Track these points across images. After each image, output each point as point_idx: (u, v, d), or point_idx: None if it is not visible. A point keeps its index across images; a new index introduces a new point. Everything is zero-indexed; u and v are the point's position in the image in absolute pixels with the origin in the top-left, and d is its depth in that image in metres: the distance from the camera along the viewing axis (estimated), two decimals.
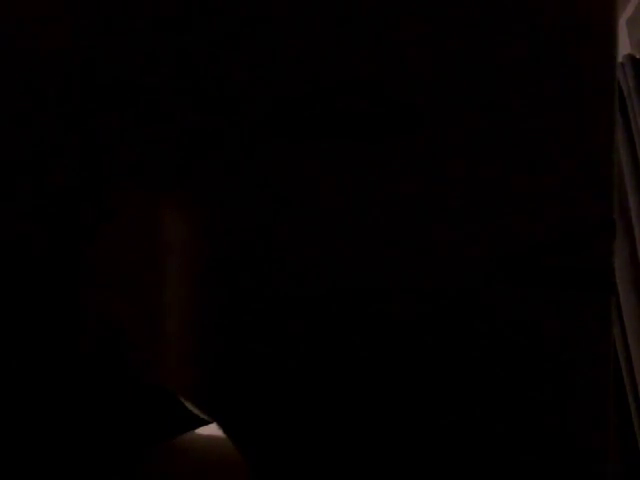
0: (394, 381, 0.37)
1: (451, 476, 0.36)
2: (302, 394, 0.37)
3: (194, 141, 0.38)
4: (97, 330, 0.40)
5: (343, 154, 0.37)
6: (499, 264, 0.37)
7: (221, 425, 0.39)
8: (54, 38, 0.39)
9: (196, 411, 0.41)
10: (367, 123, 0.37)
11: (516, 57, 0.38)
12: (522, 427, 0.37)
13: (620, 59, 1.52)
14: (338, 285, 0.37)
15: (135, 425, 0.46)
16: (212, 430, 0.49)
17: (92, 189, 0.39)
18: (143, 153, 0.39)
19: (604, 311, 0.38)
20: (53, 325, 0.40)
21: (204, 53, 0.38)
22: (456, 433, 0.36)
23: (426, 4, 0.37)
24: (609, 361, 0.38)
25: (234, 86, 0.38)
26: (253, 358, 0.38)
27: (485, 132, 0.38)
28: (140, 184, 0.39)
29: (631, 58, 1.53)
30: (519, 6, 0.38)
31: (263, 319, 0.38)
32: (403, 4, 0.37)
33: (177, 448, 0.49)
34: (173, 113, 0.38)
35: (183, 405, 0.42)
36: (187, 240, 0.39)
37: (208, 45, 0.38)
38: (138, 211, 0.39)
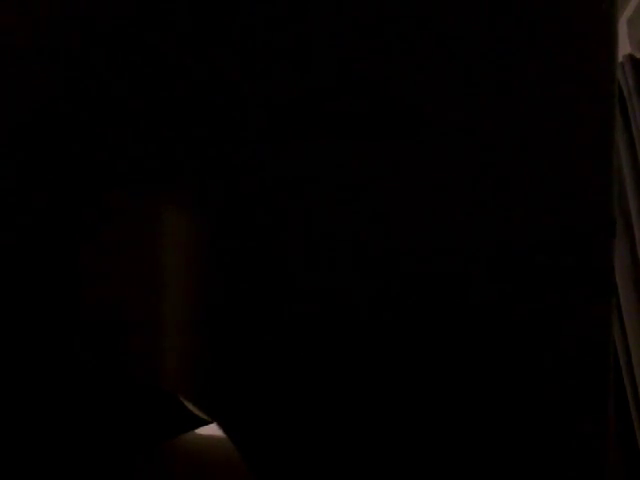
0: (395, 380, 0.37)
1: (449, 475, 0.36)
2: (302, 394, 0.37)
3: (194, 141, 0.38)
4: (97, 330, 0.40)
5: (344, 155, 0.37)
6: (498, 264, 0.37)
7: (221, 425, 0.39)
8: (55, 37, 0.39)
9: (196, 411, 0.41)
10: (369, 124, 0.37)
11: (516, 57, 0.38)
12: (521, 427, 0.37)
13: (620, 59, 1.52)
14: (337, 286, 0.37)
15: (135, 425, 0.46)
16: (212, 430, 0.49)
17: (92, 189, 0.39)
18: (143, 153, 0.39)
19: (604, 311, 0.38)
20: (53, 325, 0.40)
21: (203, 53, 0.38)
22: (455, 432, 0.36)
23: (428, 6, 0.37)
24: (609, 361, 0.38)
25: (233, 86, 0.38)
26: (253, 358, 0.38)
27: (486, 132, 0.38)
28: (140, 184, 0.39)
29: (631, 58, 1.53)
30: (519, 6, 0.38)
31: (263, 319, 0.38)
32: (405, 4, 0.37)
33: (177, 448, 0.49)
34: (173, 113, 0.38)
35: (183, 405, 0.42)
36: (187, 240, 0.39)
37: (208, 46, 0.38)
38: (138, 211, 0.39)
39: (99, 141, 0.39)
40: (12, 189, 0.39)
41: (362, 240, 0.37)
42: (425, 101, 0.37)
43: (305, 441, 0.37)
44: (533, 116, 0.38)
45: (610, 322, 0.38)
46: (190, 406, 0.41)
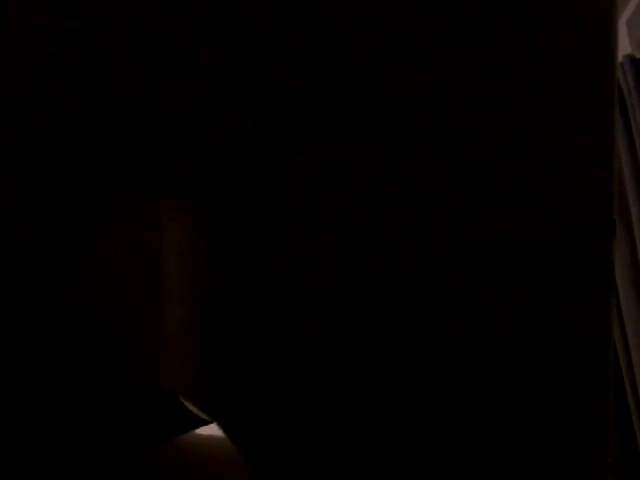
0: (394, 381, 0.37)
1: (449, 474, 0.36)
2: (302, 394, 0.37)
3: (194, 142, 0.38)
4: (98, 330, 0.40)
5: (342, 154, 0.37)
6: (499, 264, 0.37)
7: (221, 425, 0.39)
8: (57, 41, 0.39)
9: (196, 411, 0.41)
10: (367, 123, 0.37)
11: (516, 57, 0.38)
12: (521, 426, 0.37)
13: (620, 59, 1.52)
14: (337, 285, 0.37)
15: (135, 425, 0.46)
16: (212, 430, 0.49)
17: (92, 189, 0.39)
18: (143, 154, 0.39)
19: (604, 311, 0.38)
20: (54, 325, 0.40)
21: (204, 55, 0.38)
22: (454, 431, 0.36)
23: (425, 6, 0.37)
24: (609, 361, 0.38)
25: (233, 88, 0.38)
26: (253, 358, 0.38)
27: (485, 132, 0.38)
28: (140, 184, 0.39)
29: (631, 58, 1.53)
30: (519, 6, 0.38)
31: (263, 320, 0.38)
32: (403, 6, 0.37)
33: (177, 448, 0.49)
34: (173, 115, 0.38)
35: (183, 405, 0.42)
36: (187, 240, 0.39)
37: (208, 47, 0.38)
38: (138, 211, 0.39)
39: (100, 142, 0.39)
40: (14, 190, 0.39)
41: (361, 239, 0.37)
42: (420, 100, 0.37)
43: (305, 441, 0.37)
44: (532, 116, 0.38)
45: (610, 322, 0.38)
46: (190, 406, 0.41)
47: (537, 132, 0.38)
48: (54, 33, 0.38)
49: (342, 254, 0.37)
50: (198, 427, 0.50)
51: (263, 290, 0.38)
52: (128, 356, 0.40)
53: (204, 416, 0.42)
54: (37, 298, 0.40)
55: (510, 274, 0.37)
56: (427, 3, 0.37)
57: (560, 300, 0.37)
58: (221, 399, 0.38)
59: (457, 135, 0.37)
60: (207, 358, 0.39)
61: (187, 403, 0.41)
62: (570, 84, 0.38)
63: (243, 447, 0.38)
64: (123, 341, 0.40)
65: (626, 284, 1.42)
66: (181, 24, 0.38)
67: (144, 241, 0.39)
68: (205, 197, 0.39)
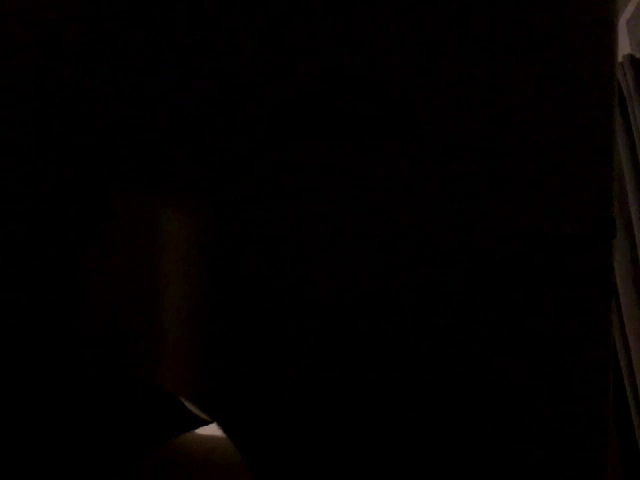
0: (394, 381, 0.37)
1: (448, 474, 0.36)
2: (302, 394, 0.37)
3: (194, 142, 0.38)
4: (98, 330, 0.40)
5: (343, 154, 0.37)
6: (499, 263, 0.37)
7: (221, 425, 0.39)
8: (54, 37, 0.39)
9: (196, 411, 0.41)
10: (367, 123, 0.37)
11: (515, 56, 0.38)
12: (521, 427, 0.37)
13: (620, 59, 1.52)
14: (336, 286, 0.37)
15: (135, 425, 0.46)
16: (212, 430, 0.49)
17: (92, 189, 0.39)
18: (143, 154, 0.39)
19: (604, 311, 0.38)
20: (54, 325, 0.40)
21: (204, 54, 0.38)
22: (453, 432, 0.36)
23: (426, 5, 0.37)
24: (609, 361, 0.38)
25: (234, 87, 0.38)
26: (253, 358, 0.38)
27: (484, 132, 0.38)
28: (140, 184, 0.39)
29: (631, 58, 1.53)
30: (519, 6, 0.38)
31: (263, 320, 0.38)
32: (404, 4, 0.37)
33: (177, 448, 0.49)
34: (173, 114, 0.38)
35: (183, 405, 0.42)
36: (187, 240, 0.39)
37: (208, 46, 0.38)
38: (138, 211, 0.39)
39: (101, 142, 0.39)
40: (15, 190, 0.39)
41: (361, 238, 0.37)
42: (421, 100, 0.37)
43: (305, 441, 0.37)
44: (532, 116, 0.38)
45: (610, 322, 0.38)
46: (190, 406, 0.41)
47: (537, 132, 0.38)
48: (59, 22, 0.38)
49: (341, 253, 0.37)
50: (198, 427, 0.50)
51: (263, 290, 0.38)
52: (128, 356, 0.40)
53: (204, 416, 0.42)
54: (37, 298, 0.40)
55: (509, 274, 0.37)
56: (427, 3, 0.37)
57: (560, 300, 0.37)
58: (220, 399, 0.38)
59: (457, 135, 0.37)
60: (207, 358, 0.39)
61: (187, 403, 0.41)
62: (570, 84, 0.38)
63: (243, 447, 0.38)
64: (124, 341, 0.40)
65: (626, 284, 1.42)
66: (180, 21, 0.38)
67: (144, 241, 0.39)
68: (205, 196, 0.39)
